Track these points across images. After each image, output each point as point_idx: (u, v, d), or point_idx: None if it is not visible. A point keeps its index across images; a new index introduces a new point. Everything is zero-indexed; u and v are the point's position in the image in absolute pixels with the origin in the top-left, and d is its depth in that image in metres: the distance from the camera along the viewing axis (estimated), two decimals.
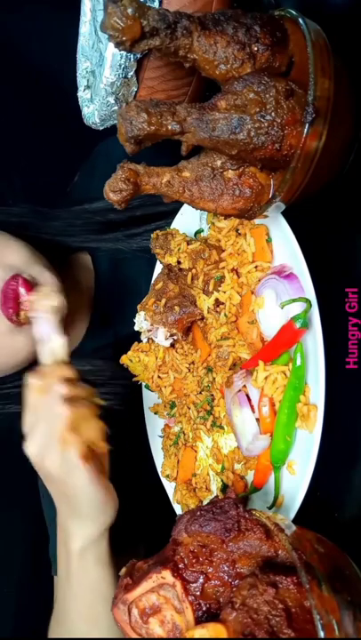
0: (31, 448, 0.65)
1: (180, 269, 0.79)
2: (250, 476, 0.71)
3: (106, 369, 0.89)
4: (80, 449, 0.63)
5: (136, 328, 0.80)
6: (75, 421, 0.63)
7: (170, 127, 0.56)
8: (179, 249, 0.78)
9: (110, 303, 1.01)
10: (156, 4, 0.66)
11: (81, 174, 1.11)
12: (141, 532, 0.95)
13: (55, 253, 0.98)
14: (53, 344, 0.69)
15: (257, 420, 0.67)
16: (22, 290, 0.76)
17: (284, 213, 0.65)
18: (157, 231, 0.82)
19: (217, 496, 0.72)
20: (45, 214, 0.95)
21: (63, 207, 0.97)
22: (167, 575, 0.53)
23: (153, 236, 0.82)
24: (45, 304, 0.70)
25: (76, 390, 0.65)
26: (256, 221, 0.69)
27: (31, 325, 0.77)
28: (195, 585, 0.53)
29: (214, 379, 0.75)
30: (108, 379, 0.91)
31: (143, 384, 0.88)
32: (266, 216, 0.64)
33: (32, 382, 0.66)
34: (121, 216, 0.93)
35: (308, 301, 0.62)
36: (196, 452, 0.80)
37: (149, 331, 0.79)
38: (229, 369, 0.72)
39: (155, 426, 0.88)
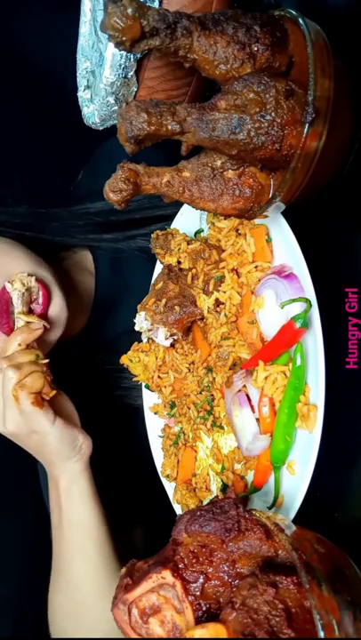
0: None
1: (181, 269, 0.79)
2: (250, 476, 0.71)
3: (108, 362, 0.92)
4: (30, 398, 0.72)
5: (136, 328, 0.80)
6: (21, 379, 0.73)
7: (170, 127, 0.56)
8: (179, 249, 0.78)
9: (110, 302, 1.01)
10: (156, 4, 0.66)
11: (84, 174, 1.11)
12: (139, 516, 1.00)
13: (56, 254, 0.99)
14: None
15: (257, 419, 0.67)
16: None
17: (284, 213, 0.65)
18: (158, 231, 0.82)
19: (217, 496, 0.72)
20: (46, 215, 0.95)
21: (64, 207, 0.98)
22: (167, 575, 0.53)
23: (153, 236, 0.82)
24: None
25: (20, 357, 0.75)
26: (256, 221, 0.69)
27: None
28: (195, 585, 0.53)
29: (214, 379, 0.75)
30: (110, 372, 0.93)
31: (143, 384, 0.88)
32: (266, 216, 0.64)
33: None
34: (121, 217, 0.94)
35: (308, 301, 0.62)
36: (196, 452, 0.80)
37: (150, 330, 0.79)
38: (229, 369, 0.72)
39: (155, 426, 0.88)
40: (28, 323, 0.79)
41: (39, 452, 0.78)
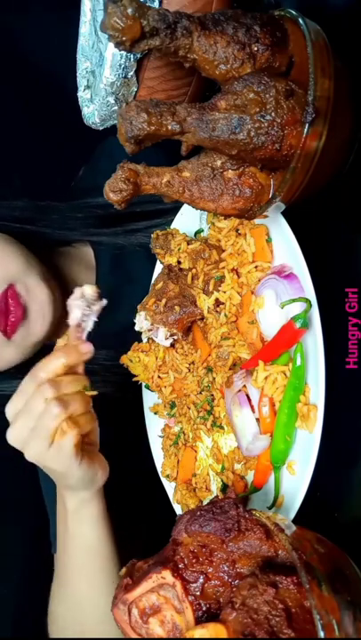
0: (12, 436, 0.68)
1: (181, 269, 0.79)
2: (250, 476, 0.71)
3: (107, 358, 0.91)
4: (76, 439, 0.66)
5: (136, 328, 0.80)
6: (69, 416, 0.66)
7: (170, 127, 0.56)
8: (179, 249, 0.78)
9: (110, 299, 1.01)
10: (156, 4, 0.66)
11: (84, 171, 1.11)
12: (142, 518, 1.00)
13: (56, 250, 0.99)
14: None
15: (257, 419, 0.67)
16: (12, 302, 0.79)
17: (284, 213, 0.65)
18: (158, 231, 0.82)
19: (217, 496, 0.72)
20: (46, 208, 0.95)
21: (65, 201, 0.98)
22: (167, 575, 0.53)
23: (153, 236, 0.82)
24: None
25: (68, 387, 0.67)
26: (256, 221, 0.69)
27: (20, 337, 0.81)
28: (195, 585, 0.53)
29: (214, 379, 0.75)
30: (108, 367, 0.93)
31: (143, 384, 0.88)
32: (266, 216, 0.64)
33: (33, 373, 0.68)
34: (122, 211, 0.93)
35: (308, 301, 0.62)
36: (196, 452, 0.80)
37: (150, 330, 0.79)
38: (229, 369, 0.72)
39: (155, 426, 0.88)
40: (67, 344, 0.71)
41: (51, 474, 0.73)
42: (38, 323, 0.84)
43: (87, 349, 0.70)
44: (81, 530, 0.76)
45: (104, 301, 0.72)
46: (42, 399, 0.66)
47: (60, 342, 0.72)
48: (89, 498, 0.74)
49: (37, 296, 0.84)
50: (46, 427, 0.65)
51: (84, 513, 0.75)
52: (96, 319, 0.71)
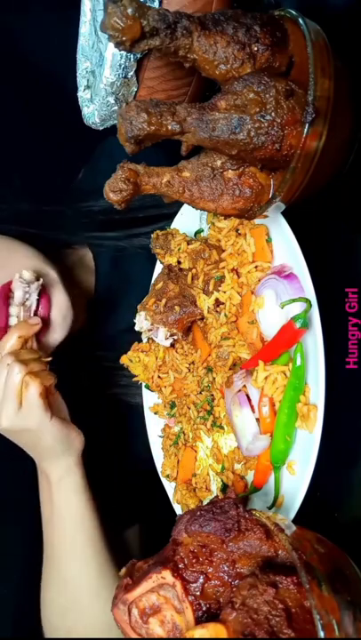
0: None
1: (181, 269, 0.79)
2: (250, 476, 0.71)
3: (107, 358, 0.93)
4: (40, 388, 0.73)
5: (136, 328, 0.80)
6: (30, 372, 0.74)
7: (170, 127, 0.56)
8: (179, 249, 0.78)
9: (110, 300, 1.02)
10: (156, 4, 0.66)
11: (84, 172, 1.11)
12: (137, 514, 1.02)
13: (57, 252, 0.99)
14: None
15: (257, 419, 0.67)
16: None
17: (284, 213, 0.65)
18: (157, 231, 0.82)
19: (217, 496, 0.72)
20: (50, 212, 0.95)
21: (67, 205, 0.98)
22: (167, 575, 0.53)
23: (153, 236, 0.82)
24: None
25: (25, 355, 0.76)
26: (256, 221, 0.69)
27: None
28: (195, 585, 0.53)
29: (214, 379, 0.75)
30: (108, 368, 0.95)
31: (143, 384, 0.88)
32: (266, 216, 0.64)
33: None
34: (124, 216, 0.94)
35: (308, 301, 0.62)
36: (196, 452, 0.80)
37: (150, 330, 0.79)
38: (229, 369, 0.72)
39: (155, 426, 0.88)
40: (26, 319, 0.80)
41: (30, 448, 0.79)
42: (59, 332, 0.87)
43: (36, 321, 0.79)
44: (66, 498, 0.79)
45: (41, 280, 0.81)
46: (4, 367, 0.73)
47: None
48: (71, 465, 0.78)
49: (59, 303, 0.86)
50: (12, 387, 0.72)
51: (68, 481, 0.78)
52: (37, 297, 0.81)
